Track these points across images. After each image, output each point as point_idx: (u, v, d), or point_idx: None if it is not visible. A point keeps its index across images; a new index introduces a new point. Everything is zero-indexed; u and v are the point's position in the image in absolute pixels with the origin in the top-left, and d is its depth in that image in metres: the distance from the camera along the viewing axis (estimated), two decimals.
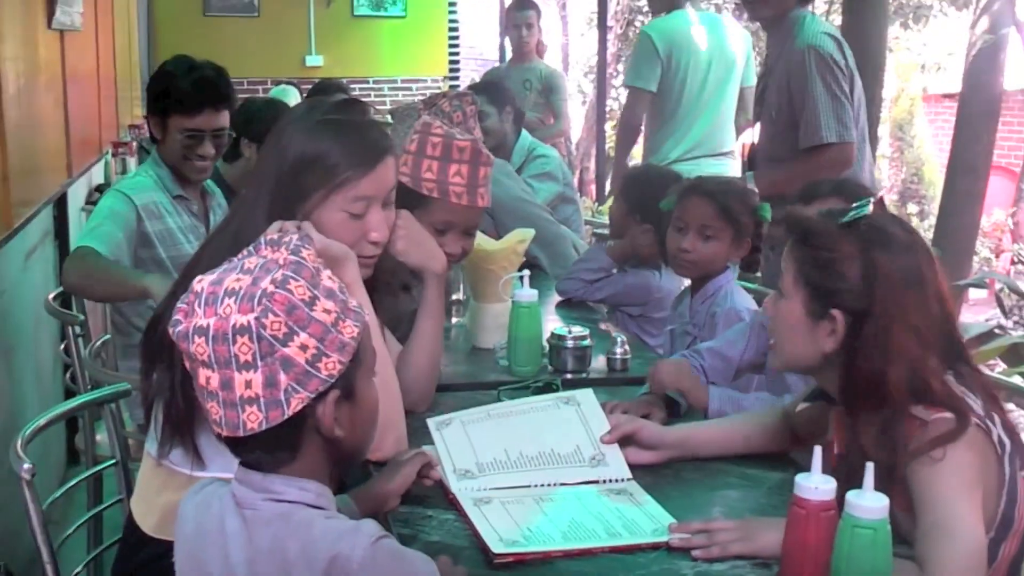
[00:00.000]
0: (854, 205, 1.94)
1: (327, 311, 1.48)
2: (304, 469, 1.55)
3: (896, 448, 1.79)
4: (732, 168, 5.23)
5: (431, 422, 2.27)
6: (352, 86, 10.48)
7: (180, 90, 3.38)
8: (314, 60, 10.73)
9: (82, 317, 3.51)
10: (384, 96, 10.91)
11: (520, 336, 2.84)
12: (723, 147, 5.28)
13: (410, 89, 11.08)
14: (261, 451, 1.53)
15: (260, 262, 1.50)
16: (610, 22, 8.17)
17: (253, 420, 1.47)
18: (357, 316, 1.54)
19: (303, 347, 1.46)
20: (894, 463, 1.77)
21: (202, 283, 1.49)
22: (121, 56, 7.58)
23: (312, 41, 10.76)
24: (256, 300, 1.44)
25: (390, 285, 2.35)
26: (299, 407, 1.48)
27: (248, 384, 1.45)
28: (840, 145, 3.85)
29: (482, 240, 3.14)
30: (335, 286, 1.52)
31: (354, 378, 1.54)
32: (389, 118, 3.92)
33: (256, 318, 1.44)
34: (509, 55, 7.58)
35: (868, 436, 1.83)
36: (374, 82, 10.97)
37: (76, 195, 5.47)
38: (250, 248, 1.55)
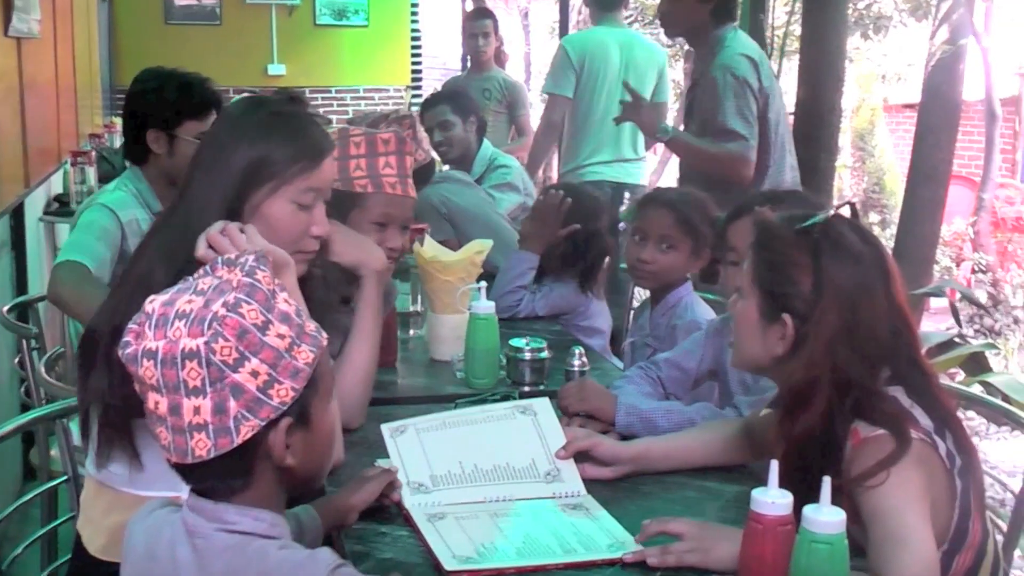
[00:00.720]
0: (814, 213, 1.94)
1: (281, 336, 1.44)
2: (257, 497, 1.51)
3: (838, 464, 1.80)
4: (644, 172, 6.00)
5: (385, 428, 2.25)
6: (314, 95, 10.52)
7: (194, 95, 3.36)
8: (276, 69, 10.73)
9: (36, 330, 3.47)
10: (347, 105, 10.90)
11: (477, 348, 2.83)
12: (636, 152, 5.80)
13: (373, 99, 11.08)
14: (212, 479, 1.49)
15: (214, 283, 1.46)
16: (571, 31, 8.14)
17: (201, 447, 1.43)
18: (314, 340, 1.50)
19: (254, 373, 1.42)
20: (838, 478, 1.75)
21: (154, 303, 1.45)
22: (81, 64, 7.51)
23: (274, 50, 10.76)
24: (206, 324, 1.40)
25: (326, 299, 2.29)
26: (249, 435, 1.44)
27: (197, 410, 1.41)
28: (744, 140, 4.06)
29: (439, 251, 3.13)
30: (291, 309, 1.48)
31: (308, 404, 1.50)
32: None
33: (206, 342, 1.40)
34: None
35: (810, 447, 1.83)
36: (336, 91, 10.97)
37: (34, 205, 5.42)
38: (206, 267, 1.51)
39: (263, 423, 1.44)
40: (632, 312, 4.16)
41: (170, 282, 1.53)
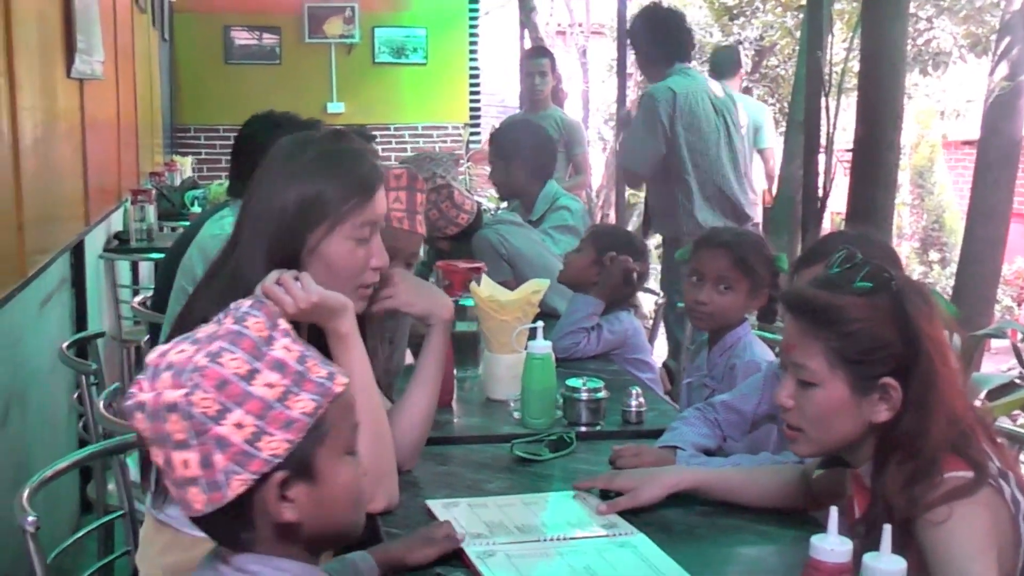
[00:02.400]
0: (852, 264, 1.87)
1: (270, 385, 1.37)
2: (277, 549, 1.44)
3: (918, 502, 1.75)
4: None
5: (433, 505, 2.20)
6: (373, 132, 10.64)
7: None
8: (336, 107, 10.85)
9: (95, 366, 3.50)
10: (405, 143, 11.03)
11: (534, 388, 2.81)
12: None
13: (431, 136, 11.21)
14: (219, 531, 1.44)
15: (210, 331, 1.42)
16: (629, 69, 8.12)
17: (197, 501, 1.37)
18: (320, 388, 1.41)
19: (239, 425, 1.34)
20: (912, 519, 1.72)
21: (153, 354, 1.41)
22: (143, 104, 7.63)
23: (333, 88, 10.89)
24: (185, 375, 1.35)
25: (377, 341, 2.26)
26: (242, 489, 1.36)
27: (186, 464, 1.35)
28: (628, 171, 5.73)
29: (496, 290, 3.12)
30: (290, 357, 1.40)
31: (311, 456, 1.40)
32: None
33: (185, 394, 1.34)
34: None
35: (894, 493, 1.78)
36: (395, 128, 11.08)
37: (93, 242, 5.48)
38: (219, 315, 1.46)
39: (255, 476, 1.36)
40: (689, 351, 4.13)
41: None
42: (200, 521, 1.40)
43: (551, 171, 5.15)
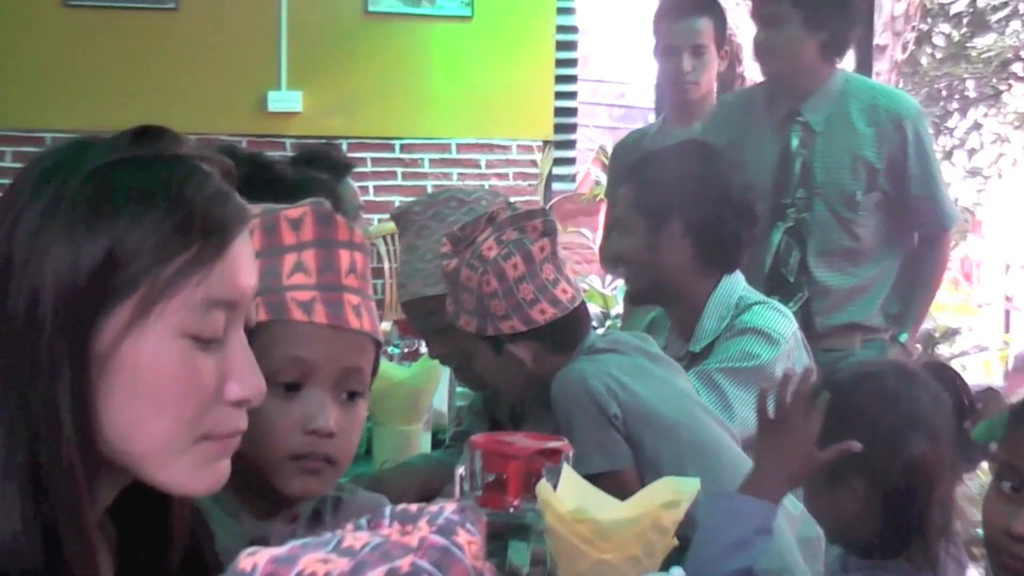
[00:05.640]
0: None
1: None
2: None
3: None
4: None
5: None
6: (357, 153, 5.97)
7: None
8: (285, 101, 6.23)
9: None
10: (424, 176, 6.40)
11: None
12: None
13: (477, 164, 6.46)
14: None
15: (373, 542, 1.00)
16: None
17: None
18: None
19: None
20: None
21: (255, 559, 0.96)
22: None
23: (282, 63, 6.15)
24: None
25: None
26: None
27: None
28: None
29: (592, 498, 1.84)
30: None
31: None
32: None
33: None
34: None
35: None
36: (405, 148, 6.39)
37: None
38: (361, 522, 1.02)
39: None
40: None
41: None
42: None
43: (743, 256, 2.97)
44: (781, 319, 2.83)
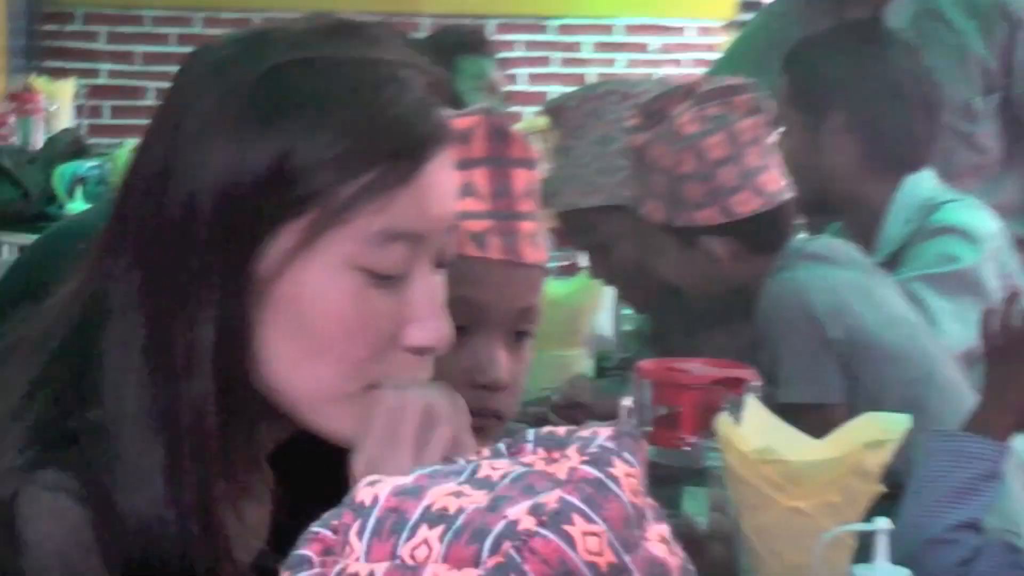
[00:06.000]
0: None
1: None
2: None
3: None
4: None
5: None
6: (486, 34, 5.51)
7: None
8: None
9: None
10: (581, 61, 6.37)
11: None
12: None
13: (644, 47, 6.12)
14: None
15: (514, 472, 0.94)
16: None
17: None
18: None
19: None
20: None
21: (375, 490, 0.90)
22: None
23: None
24: (490, 544, 0.87)
25: None
26: None
27: None
28: None
29: (780, 436, 1.87)
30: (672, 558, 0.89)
31: None
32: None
33: None
34: None
35: None
36: (557, 27, 6.13)
37: None
38: (499, 446, 0.98)
39: None
40: None
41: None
42: None
43: (925, 152, 2.82)
44: (982, 216, 2.68)
